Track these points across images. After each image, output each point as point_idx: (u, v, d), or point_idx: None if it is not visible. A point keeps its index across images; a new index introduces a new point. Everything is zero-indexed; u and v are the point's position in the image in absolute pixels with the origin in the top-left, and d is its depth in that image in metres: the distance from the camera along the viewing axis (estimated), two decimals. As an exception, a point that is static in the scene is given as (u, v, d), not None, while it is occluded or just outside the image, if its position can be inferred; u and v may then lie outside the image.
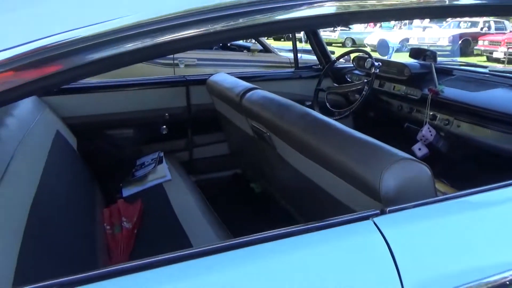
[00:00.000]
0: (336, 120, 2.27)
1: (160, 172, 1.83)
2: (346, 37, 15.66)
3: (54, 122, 1.72)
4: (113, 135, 2.03)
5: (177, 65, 3.92)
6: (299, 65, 2.59)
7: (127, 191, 1.76)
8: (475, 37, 11.59)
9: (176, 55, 3.97)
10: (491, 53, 10.46)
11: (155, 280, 0.58)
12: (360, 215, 0.68)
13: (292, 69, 2.58)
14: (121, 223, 1.42)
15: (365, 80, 2.06)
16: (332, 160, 1.06)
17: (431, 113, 2.02)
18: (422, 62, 2.07)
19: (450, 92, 1.93)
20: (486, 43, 10.81)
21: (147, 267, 0.59)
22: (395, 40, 12.74)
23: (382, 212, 0.69)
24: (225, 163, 2.41)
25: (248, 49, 4.50)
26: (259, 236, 0.64)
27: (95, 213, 1.46)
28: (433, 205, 0.74)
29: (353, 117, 2.72)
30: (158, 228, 1.45)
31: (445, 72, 2.16)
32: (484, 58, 10.73)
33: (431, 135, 1.97)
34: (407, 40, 13.12)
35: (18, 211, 0.92)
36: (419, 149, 2.03)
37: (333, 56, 2.51)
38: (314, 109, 2.31)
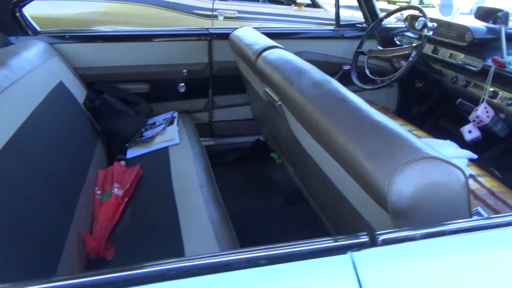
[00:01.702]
0: (376, 89, 1.99)
1: (169, 135, 1.69)
2: (413, -6, 14.20)
3: (60, 71, 1.61)
4: (126, 89, 1.90)
5: (216, 16, 3.67)
6: (341, 22, 2.26)
7: (131, 152, 1.65)
8: None
9: (216, 6, 3.72)
10: None
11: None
12: (337, 244, 0.47)
13: (333, 27, 2.26)
14: (112, 189, 1.31)
15: (414, 44, 1.72)
16: (336, 147, 0.83)
17: (491, 90, 1.66)
18: (490, 25, 1.68)
19: (520, 65, 1.56)
20: None
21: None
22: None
23: (372, 242, 0.48)
24: (248, 128, 2.22)
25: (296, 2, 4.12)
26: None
27: (89, 174, 1.36)
28: (452, 236, 0.51)
29: (399, 87, 2.39)
30: (149, 200, 1.32)
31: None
32: None
33: (488, 116, 1.63)
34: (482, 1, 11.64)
35: None
36: (469, 131, 1.71)
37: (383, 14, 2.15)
38: (351, 75, 2.02)
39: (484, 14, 1.69)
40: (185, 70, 1.95)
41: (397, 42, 2.17)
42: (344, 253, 0.45)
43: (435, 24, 1.64)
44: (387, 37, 2.22)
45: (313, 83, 1.04)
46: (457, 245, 0.51)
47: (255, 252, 0.45)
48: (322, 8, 4.05)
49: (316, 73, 1.10)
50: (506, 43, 1.69)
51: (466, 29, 1.74)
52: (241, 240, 1.16)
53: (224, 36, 1.94)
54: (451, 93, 1.94)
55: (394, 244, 0.48)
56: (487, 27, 1.72)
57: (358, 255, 0.45)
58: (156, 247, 1.11)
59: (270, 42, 1.48)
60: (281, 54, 1.33)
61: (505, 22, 1.56)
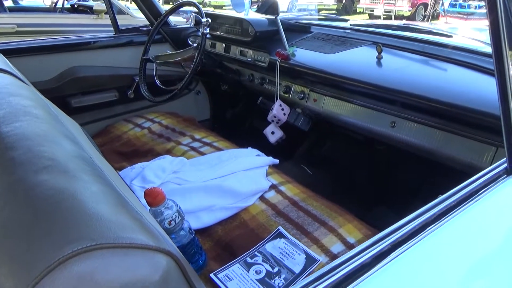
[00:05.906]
0: (167, 101, 1.69)
1: None
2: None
3: None
4: None
5: (-15, 33, 2.93)
6: (122, 27, 1.91)
7: None
8: (358, -5, 11.83)
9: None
10: (372, 11, 10.76)
11: None
12: None
13: (113, 33, 1.90)
14: None
15: (195, 45, 1.50)
16: None
17: (284, 85, 1.55)
18: (268, 16, 1.56)
19: (302, 55, 1.47)
20: (367, 1, 11.07)
21: None
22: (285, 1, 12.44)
23: None
24: None
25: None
26: None
27: None
28: None
29: (208, 93, 2.18)
30: None
31: (302, 30, 1.70)
32: (367, 16, 11.05)
33: (284, 114, 1.51)
34: (296, 0, 12.91)
35: None
36: (272, 132, 1.57)
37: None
38: (140, 87, 1.70)
39: (261, 5, 1.56)
40: None
41: (190, 43, 1.94)
42: None
43: (209, 20, 1.43)
44: (180, 39, 1.97)
45: None
46: None
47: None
48: (128, 14, 3.66)
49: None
50: (290, 33, 1.61)
51: (247, 23, 1.59)
52: None
53: None
54: (253, 92, 1.80)
55: None
56: (268, 19, 1.61)
57: None
58: None
59: None
60: None
61: (274, 11, 1.44)
